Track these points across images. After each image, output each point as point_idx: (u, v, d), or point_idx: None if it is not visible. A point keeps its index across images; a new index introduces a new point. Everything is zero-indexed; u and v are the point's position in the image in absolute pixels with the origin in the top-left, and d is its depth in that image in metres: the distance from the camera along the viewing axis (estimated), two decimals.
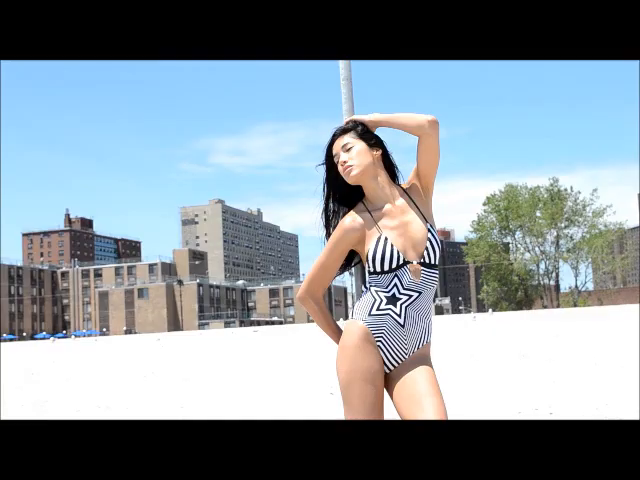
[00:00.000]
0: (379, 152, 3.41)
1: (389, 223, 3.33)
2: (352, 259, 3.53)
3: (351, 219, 3.36)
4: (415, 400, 3.17)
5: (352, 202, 3.47)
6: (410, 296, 3.29)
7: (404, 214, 3.36)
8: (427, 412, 3.09)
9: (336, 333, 3.47)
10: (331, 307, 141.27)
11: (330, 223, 3.51)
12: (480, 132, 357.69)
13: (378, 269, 3.29)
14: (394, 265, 3.27)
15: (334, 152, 3.41)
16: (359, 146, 3.37)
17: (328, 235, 3.47)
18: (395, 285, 3.28)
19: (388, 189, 3.40)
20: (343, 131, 3.42)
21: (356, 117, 3.48)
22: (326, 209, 3.51)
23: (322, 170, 3.51)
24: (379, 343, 3.30)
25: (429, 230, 3.35)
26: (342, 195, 3.50)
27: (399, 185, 3.48)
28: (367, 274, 3.37)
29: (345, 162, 3.35)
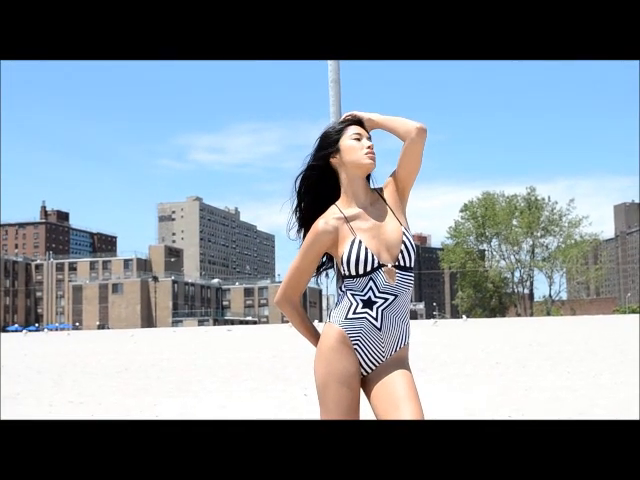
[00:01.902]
0: None
1: (363, 225, 3.32)
2: (324, 263, 3.52)
3: (324, 222, 3.32)
4: (393, 403, 3.16)
5: (325, 205, 3.44)
6: (386, 299, 3.27)
7: (378, 217, 3.35)
8: (405, 415, 3.09)
9: (314, 336, 3.47)
10: (306, 308, 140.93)
11: (302, 221, 3.50)
12: (458, 139, 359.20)
13: (353, 272, 3.27)
14: (368, 268, 3.25)
15: (357, 131, 3.39)
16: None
17: (304, 235, 3.45)
18: (370, 288, 3.27)
19: (364, 194, 3.40)
20: (357, 122, 3.42)
21: (356, 113, 3.47)
22: (299, 204, 3.49)
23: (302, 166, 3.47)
24: (356, 346, 3.29)
25: (404, 233, 3.33)
26: (319, 194, 3.48)
27: (374, 189, 3.48)
28: (342, 278, 3.36)
29: (372, 146, 3.37)
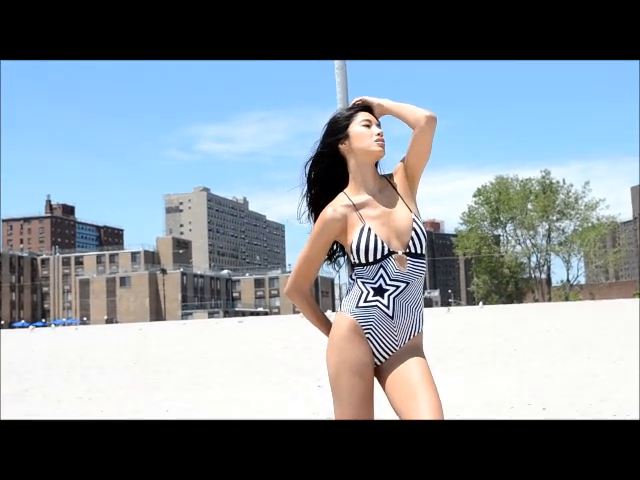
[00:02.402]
0: None
1: (372, 213, 3.32)
2: (336, 251, 3.53)
3: (332, 209, 3.34)
4: (409, 392, 3.16)
5: (333, 191, 3.45)
6: (397, 287, 3.27)
7: (387, 204, 3.36)
8: (421, 404, 3.08)
9: (325, 326, 3.48)
10: (318, 298, 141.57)
11: (312, 206, 3.50)
12: (470, 123, 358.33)
13: (363, 260, 3.28)
14: (378, 256, 3.26)
15: (367, 117, 3.39)
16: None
17: (315, 218, 3.46)
18: (381, 276, 3.27)
19: (373, 180, 3.40)
20: (364, 108, 3.42)
21: (366, 99, 3.46)
22: (309, 191, 3.50)
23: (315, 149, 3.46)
24: (368, 335, 3.29)
25: (414, 220, 3.34)
26: (328, 180, 3.48)
27: (383, 175, 3.47)
28: (352, 266, 3.37)
29: (382, 133, 3.37)
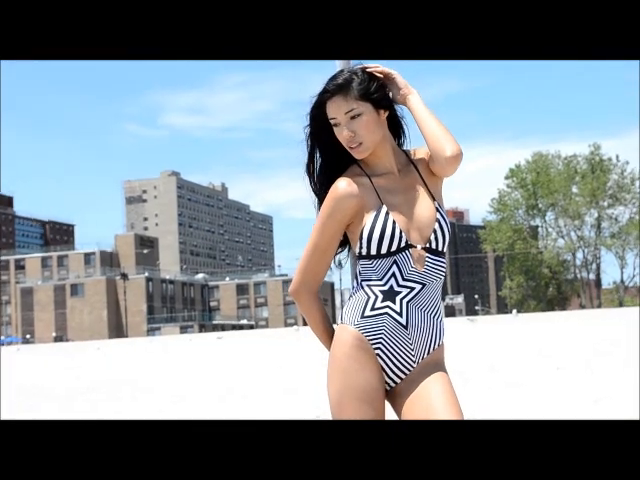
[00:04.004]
0: (387, 113, 3.37)
1: (390, 198, 3.31)
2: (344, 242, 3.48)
3: (346, 183, 3.29)
4: (428, 416, 3.17)
5: (342, 167, 3.42)
6: (412, 289, 3.27)
7: (406, 187, 3.35)
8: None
9: (331, 339, 3.41)
10: None
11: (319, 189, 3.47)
12: (503, 84, 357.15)
13: (374, 251, 3.25)
14: (394, 247, 3.24)
15: (331, 115, 3.32)
16: (368, 115, 3.28)
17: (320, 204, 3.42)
18: (393, 275, 3.26)
19: (392, 157, 3.38)
20: (340, 88, 3.28)
21: (391, 75, 3.39)
22: (309, 169, 3.48)
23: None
24: (378, 351, 3.27)
25: (437, 210, 3.34)
26: (331, 160, 3.46)
27: (405, 151, 3.47)
28: (358, 261, 3.34)
29: (352, 136, 3.27)
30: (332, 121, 3.30)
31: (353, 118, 3.27)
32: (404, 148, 3.50)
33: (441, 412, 3.16)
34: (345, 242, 3.46)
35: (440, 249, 3.33)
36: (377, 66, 3.38)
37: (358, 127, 3.26)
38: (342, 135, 3.29)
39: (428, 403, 3.20)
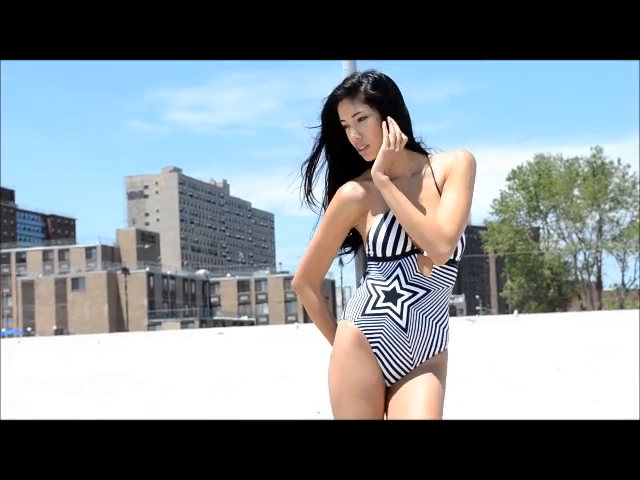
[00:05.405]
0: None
1: None
2: (350, 241, 3.52)
3: (351, 187, 3.33)
4: (402, 410, 3.21)
5: (353, 170, 3.45)
6: (414, 293, 3.28)
7: (420, 191, 3.34)
8: (411, 417, 3.14)
9: (333, 332, 3.45)
10: None
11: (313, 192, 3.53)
12: (506, 87, 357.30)
13: (379, 254, 3.28)
14: (399, 251, 3.26)
15: (341, 117, 3.35)
16: (374, 118, 3.31)
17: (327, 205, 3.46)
18: (397, 277, 3.28)
19: (406, 161, 3.38)
20: (349, 91, 3.34)
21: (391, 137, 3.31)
22: (309, 171, 3.52)
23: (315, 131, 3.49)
24: (375, 350, 3.30)
25: None
26: (339, 162, 3.49)
27: (427, 153, 3.45)
28: (366, 262, 3.38)
29: (359, 139, 3.31)
30: (343, 123, 3.36)
31: (360, 121, 3.31)
32: (430, 150, 3.48)
33: (415, 411, 3.17)
34: (355, 241, 3.52)
35: (451, 257, 3.31)
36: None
37: (365, 130, 3.30)
38: (350, 137, 3.34)
39: (406, 402, 3.22)
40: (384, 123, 3.29)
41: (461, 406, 11.65)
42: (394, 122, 3.29)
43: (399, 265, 3.27)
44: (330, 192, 3.47)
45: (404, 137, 3.29)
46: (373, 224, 3.30)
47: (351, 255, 3.64)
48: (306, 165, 3.51)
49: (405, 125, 3.39)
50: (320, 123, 3.45)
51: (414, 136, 3.45)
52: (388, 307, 3.28)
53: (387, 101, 3.32)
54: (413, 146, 3.43)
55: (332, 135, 3.43)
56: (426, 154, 3.45)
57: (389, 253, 3.27)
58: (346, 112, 3.32)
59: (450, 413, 9.36)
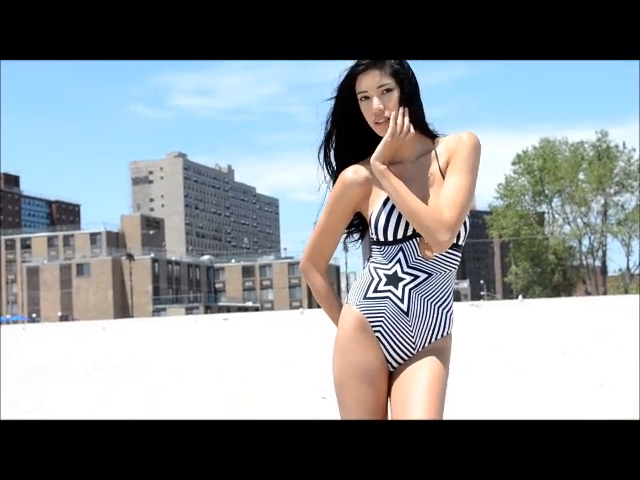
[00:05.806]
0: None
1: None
2: (353, 223, 3.51)
3: (353, 171, 3.33)
4: (403, 404, 3.19)
5: (360, 153, 3.42)
6: (416, 277, 3.27)
7: (424, 178, 3.32)
8: (411, 417, 3.12)
9: (339, 315, 3.44)
10: None
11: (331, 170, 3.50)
12: (512, 71, 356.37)
13: (381, 238, 3.29)
14: (399, 235, 3.26)
15: (362, 88, 3.29)
16: (397, 96, 3.27)
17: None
18: (398, 261, 3.27)
19: (412, 145, 3.35)
20: (375, 63, 3.28)
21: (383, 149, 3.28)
22: (326, 149, 3.48)
23: (327, 106, 3.45)
24: (377, 334, 3.30)
25: None
26: (350, 142, 3.45)
27: (435, 135, 3.42)
28: (370, 245, 3.39)
29: (381, 110, 3.25)
30: (362, 94, 3.29)
31: (384, 93, 3.26)
32: (438, 133, 3.44)
33: (417, 395, 3.16)
34: (359, 226, 3.52)
35: (454, 241, 3.29)
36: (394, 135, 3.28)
37: (388, 102, 3.25)
38: (371, 109, 3.27)
39: (408, 386, 3.22)
40: (400, 109, 3.26)
41: (465, 392, 11.66)
42: (407, 114, 3.26)
43: (401, 249, 3.27)
44: (334, 175, 3.46)
45: (412, 130, 3.26)
46: (375, 208, 3.30)
47: (359, 242, 3.62)
48: (322, 150, 3.48)
49: (419, 109, 3.37)
50: (336, 94, 3.40)
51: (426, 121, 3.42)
52: (389, 290, 3.28)
53: (408, 81, 3.30)
54: (422, 130, 3.40)
55: (344, 109, 3.38)
56: (433, 137, 3.41)
57: (390, 237, 3.27)
58: (371, 82, 3.25)
59: (454, 399, 9.38)
